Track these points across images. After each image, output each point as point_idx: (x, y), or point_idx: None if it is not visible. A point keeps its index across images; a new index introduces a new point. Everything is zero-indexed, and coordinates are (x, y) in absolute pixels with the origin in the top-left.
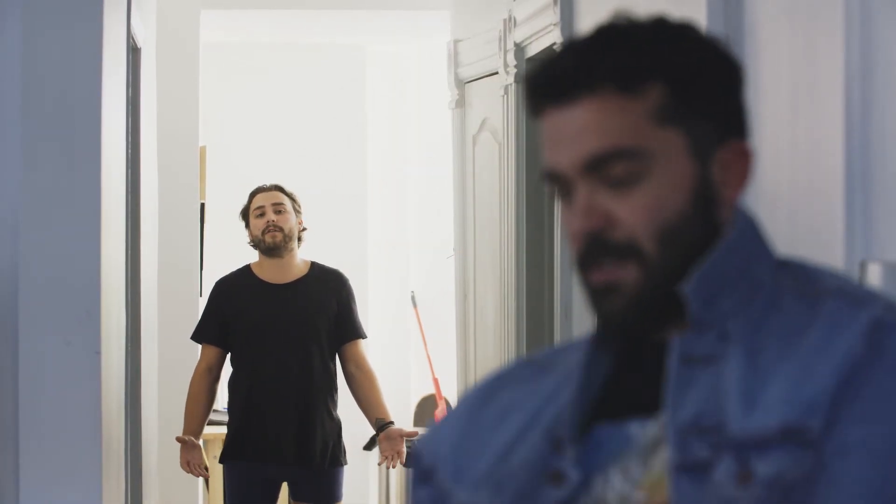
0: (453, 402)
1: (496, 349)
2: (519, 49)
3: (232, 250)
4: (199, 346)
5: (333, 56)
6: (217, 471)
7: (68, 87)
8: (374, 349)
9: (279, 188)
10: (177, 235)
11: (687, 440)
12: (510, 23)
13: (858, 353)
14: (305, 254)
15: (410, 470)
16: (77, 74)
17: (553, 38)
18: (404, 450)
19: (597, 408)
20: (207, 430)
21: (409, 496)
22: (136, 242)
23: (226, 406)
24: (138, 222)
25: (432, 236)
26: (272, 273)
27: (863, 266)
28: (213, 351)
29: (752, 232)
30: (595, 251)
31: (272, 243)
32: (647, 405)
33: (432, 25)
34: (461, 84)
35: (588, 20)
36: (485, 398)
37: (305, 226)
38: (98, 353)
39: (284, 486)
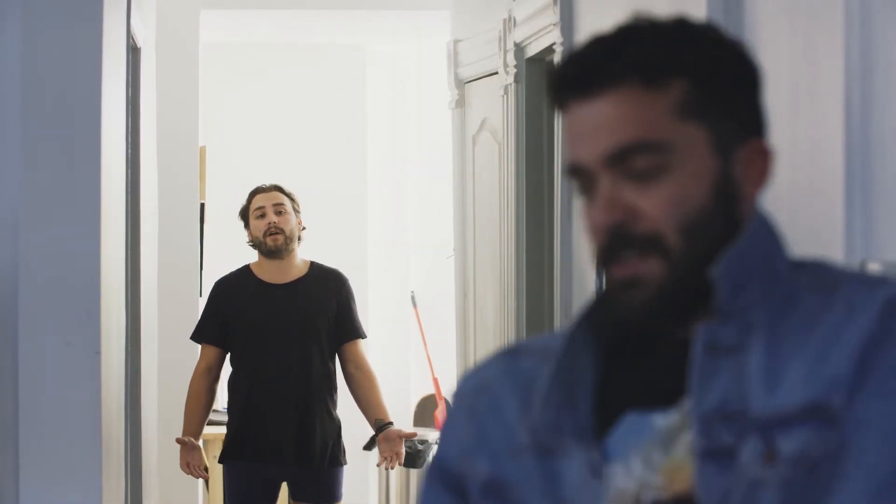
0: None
1: (496, 349)
2: (519, 49)
3: (232, 250)
4: (199, 346)
5: (333, 56)
6: (217, 471)
7: (68, 87)
8: (374, 349)
9: (279, 188)
10: (177, 235)
11: (712, 426)
12: (510, 23)
13: (875, 330)
14: (305, 254)
15: (426, 474)
16: (77, 74)
17: (553, 38)
18: (403, 451)
19: (621, 399)
20: (207, 430)
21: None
22: (136, 242)
23: (225, 406)
24: (138, 222)
25: (432, 236)
26: (272, 273)
27: (863, 266)
28: (213, 351)
29: (772, 229)
30: (617, 245)
31: (273, 246)
32: (667, 397)
33: (432, 25)
34: (461, 84)
35: (588, 20)
36: (477, 391)
37: (305, 225)
38: (98, 353)
39: (284, 486)
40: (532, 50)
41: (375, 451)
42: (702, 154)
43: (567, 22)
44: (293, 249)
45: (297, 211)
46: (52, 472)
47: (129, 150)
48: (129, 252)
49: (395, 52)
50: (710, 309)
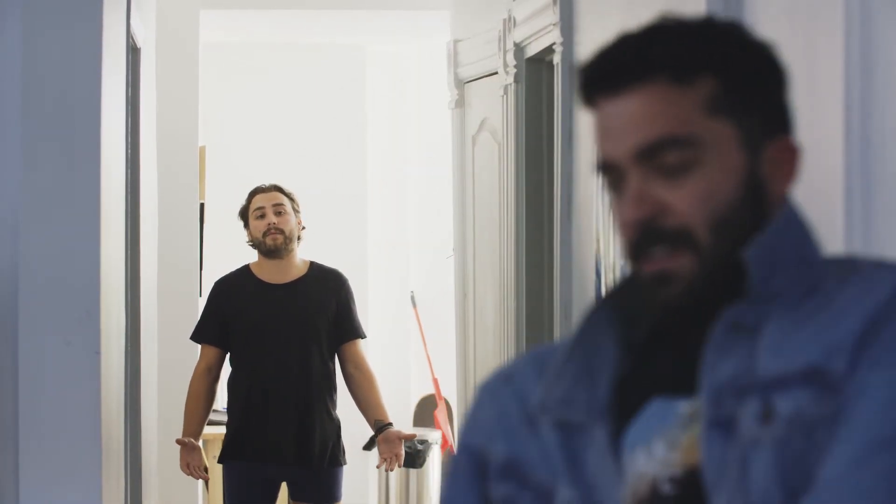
0: (453, 402)
1: (496, 349)
2: (518, 49)
3: (231, 250)
4: (199, 346)
5: (333, 56)
6: (216, 471)
7: (68, 87)
8: (373, 349)
9: (278, 188)
10: (177, 235)
11: (721, 398)
12: (510, 23)
13: (885, 305)
14: (305, 254)
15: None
16: (77, 74)
17: (553, 38)
18: (403, 452)
19: (645, 385)
20: (207, 430)
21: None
22: (136, 242)
23: (225, 406)
24: (138, 222)
25: (432, 236)
26: (271, 273)
27: None
28: (213, 351)
29: (803, 219)
30: (647, 240)
31: (273, 246)
32: (692, 386)
33: (432, 25)
34: (461, 84)
35: (588, 20)
36: (502, 380)
37: (304, 225)
38: (98, 353)
39: (284, 486)
40: (532, 50)
41: (375, 451)
42: (730, 149)
43: (567, 22)
44: (293, 249)
45: (296, 211)
46: (52, 472)
47: (129, 150)
48: (129, 252)
49: (395, 52)
50: (748, 282)
